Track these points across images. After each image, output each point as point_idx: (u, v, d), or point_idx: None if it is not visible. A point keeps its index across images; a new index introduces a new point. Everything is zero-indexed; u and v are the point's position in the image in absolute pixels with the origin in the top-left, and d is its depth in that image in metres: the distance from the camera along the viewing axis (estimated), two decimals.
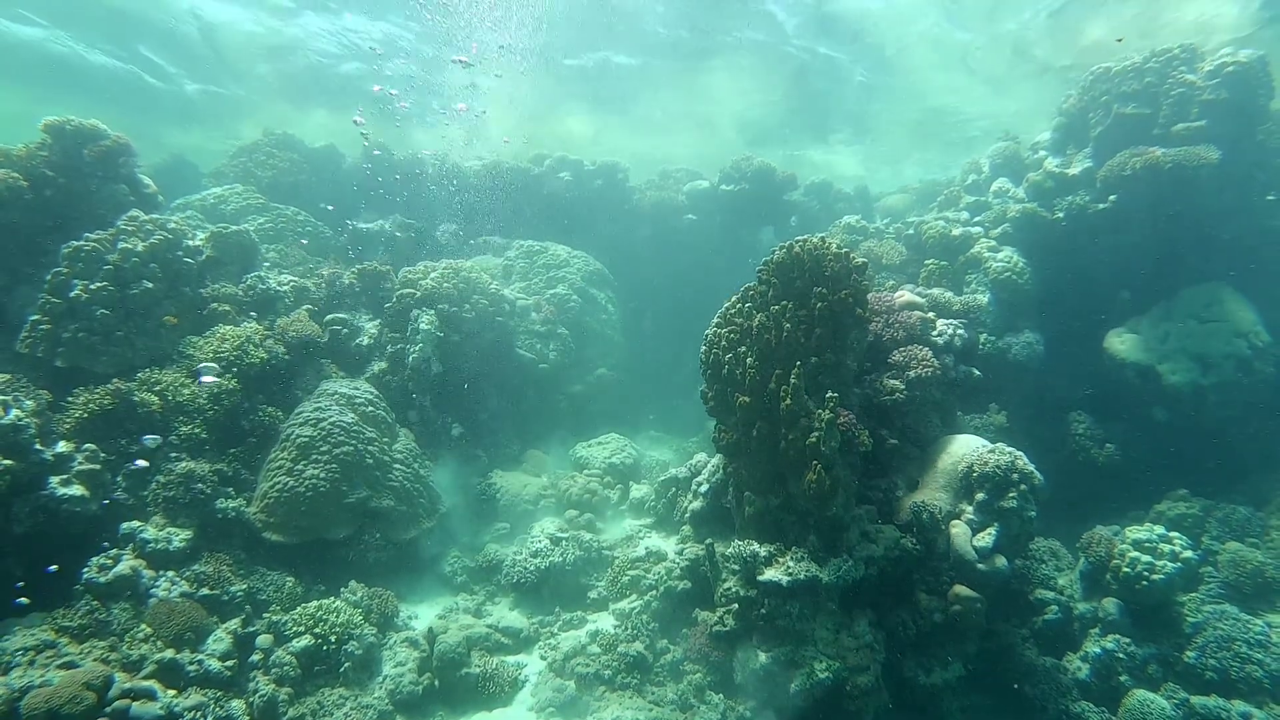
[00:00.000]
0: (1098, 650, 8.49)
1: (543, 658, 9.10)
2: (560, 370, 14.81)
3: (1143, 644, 8.47)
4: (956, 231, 13.34)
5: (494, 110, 22.05)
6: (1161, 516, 10.70)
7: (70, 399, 9.00)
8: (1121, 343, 12.37)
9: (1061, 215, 12.99)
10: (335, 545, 9.72)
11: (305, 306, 11.98)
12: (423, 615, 9.75)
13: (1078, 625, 8.94)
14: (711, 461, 9.78)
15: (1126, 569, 8.56)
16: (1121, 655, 8.38)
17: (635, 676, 8.50)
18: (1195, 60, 12.56)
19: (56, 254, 9.82)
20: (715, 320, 8.65)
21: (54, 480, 8.21)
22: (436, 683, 8.38)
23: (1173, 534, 8.74)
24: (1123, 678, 8.32)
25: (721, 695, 8.18)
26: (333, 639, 8.26)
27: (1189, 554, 8.52)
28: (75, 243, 9.82)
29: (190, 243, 10.97)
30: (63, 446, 8.55)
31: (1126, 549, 8.68)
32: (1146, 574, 8.40)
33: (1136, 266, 12.50)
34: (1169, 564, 8.39)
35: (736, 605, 7.98)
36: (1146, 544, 8.61)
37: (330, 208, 17.19)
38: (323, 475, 9.53)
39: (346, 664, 8.19)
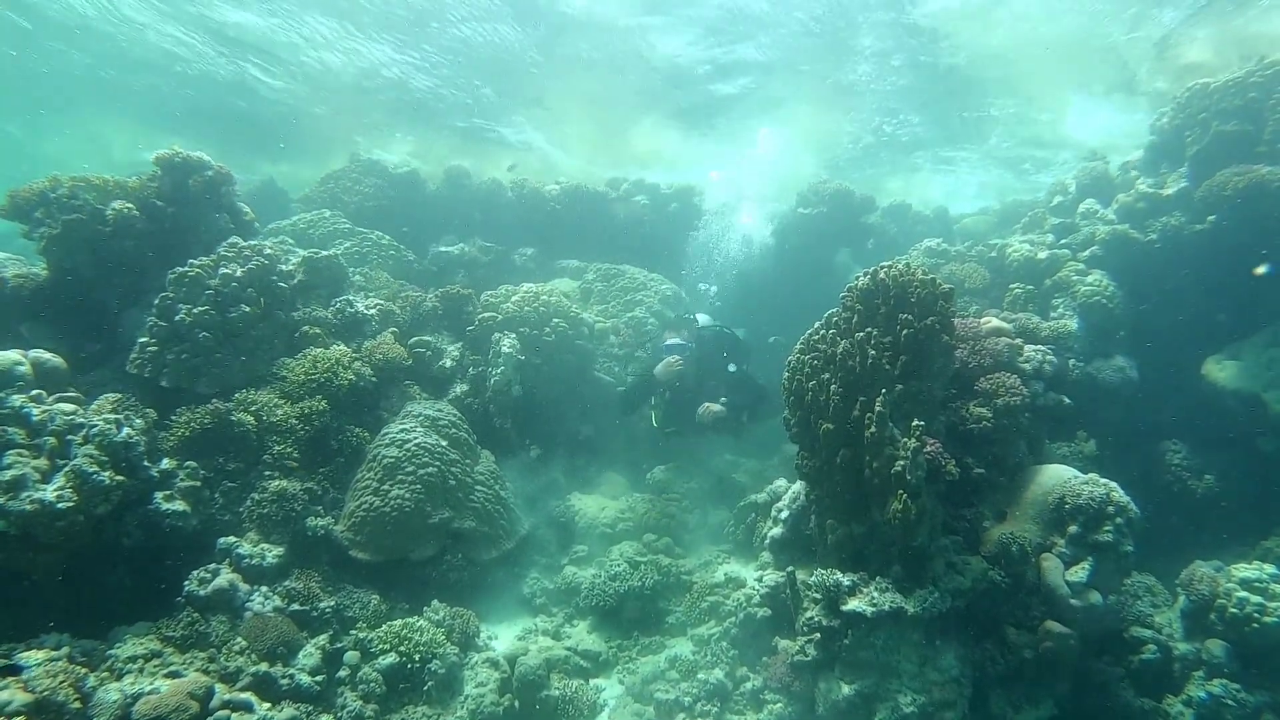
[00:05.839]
0: (1203, 695, 8.04)
1: (621, 682, 9.10)
2: None
3: (1254, 690, 7.96)
4: (1042, 255, 12.98)
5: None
6: (1270, 554, 10.10)
7: (173, 418, 9.44)
8: (1221, 370, 11.81)
9: (1155, 237, 12.50)
10: (418, 564, 9.93)
11: (390, 329, 12.32)
12: (502, 636, 9.86)
13: (1178, 666, 8.48)
14: (792, 488, 9.67)
15: (1234, 609, 8.12)
16: (1230, 701, 7.90)
17: (715, 704, 8.43)
18: None
19: (163, 279, 10.33)
20: (798, 347, 8.59)
21: (159, 496, 8.62)
22: (517, 704, 8.46)
23: None
24: None
25: None
26: (416, 657, 8.42)
27: None
28: (180, 268, 10.32)
29: (284, 268, 11.42)
30: (167, 463, 8.98)
31: (1234, 588, 8.23)
32: (1258, 615, 7.94)
33: (1235, 290, 11.92)
34: None
35: (819, 635, 7.84)
36: (1256, 584, 8.14)
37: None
38: (408, 496, 9.77)
39: (430, 682, 8.33)
